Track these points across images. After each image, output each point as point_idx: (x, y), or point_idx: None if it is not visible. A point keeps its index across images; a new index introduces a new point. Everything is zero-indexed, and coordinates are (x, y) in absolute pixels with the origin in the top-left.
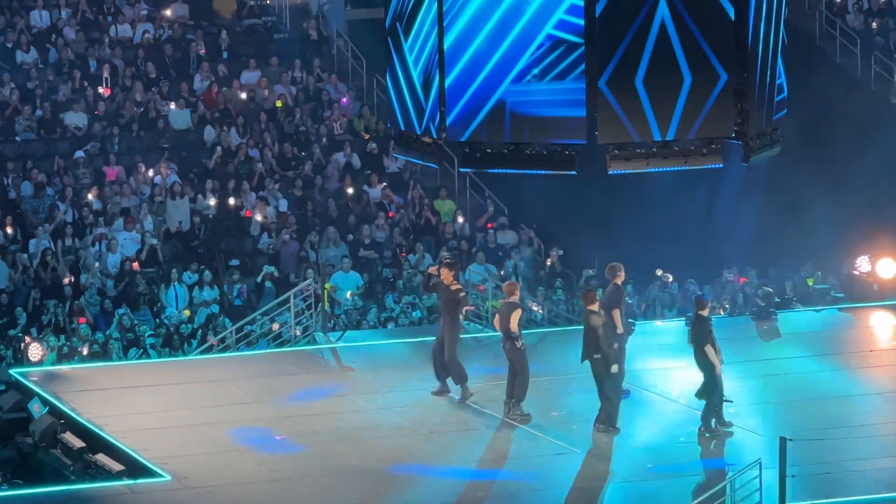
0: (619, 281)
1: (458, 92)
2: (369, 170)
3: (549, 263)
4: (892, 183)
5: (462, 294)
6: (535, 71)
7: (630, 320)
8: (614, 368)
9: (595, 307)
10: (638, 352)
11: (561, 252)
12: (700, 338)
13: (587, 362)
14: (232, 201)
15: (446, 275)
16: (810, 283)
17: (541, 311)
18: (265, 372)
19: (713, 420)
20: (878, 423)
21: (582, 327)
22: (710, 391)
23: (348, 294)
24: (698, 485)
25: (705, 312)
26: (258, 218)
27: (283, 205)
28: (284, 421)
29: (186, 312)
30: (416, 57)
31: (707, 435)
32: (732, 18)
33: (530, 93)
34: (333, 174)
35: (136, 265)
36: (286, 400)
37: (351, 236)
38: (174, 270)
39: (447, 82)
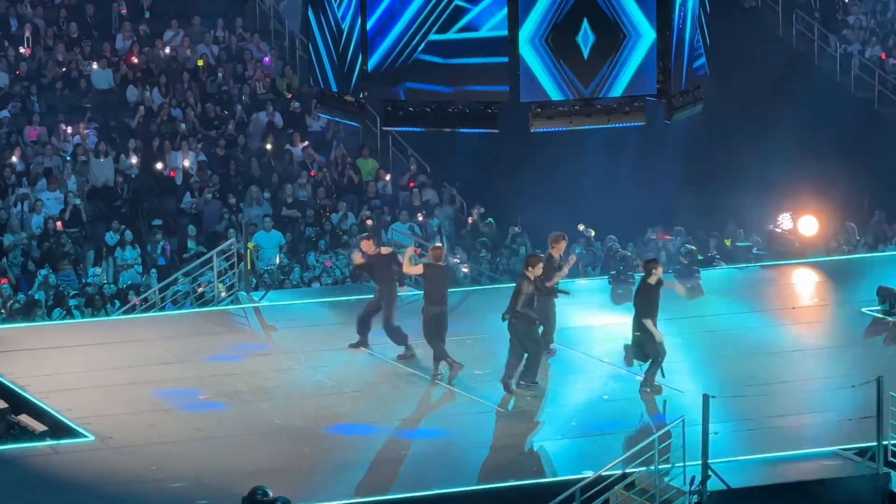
0: (557, 252)
1: (380, 50)
2: (292, 129)
3: (470, 221)
4: (814, 141)
5: (395, 256)
6: (458, 24)
7: None
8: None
9: (531, 274)
10: (561, 310)
11: (483, 210)
12: (644, 308)
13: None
14: (158, 164)
15: (368, 246)
16: (728, 245)
17: (464, 270)
18: (188, 332)
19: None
20: (800, 379)
21: (510, 287)
22: (655, 353)
23: (277, 259)
24: (622, 443)
25: (651, 279)
26: (186, 163)
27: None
28: (208, 380)
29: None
30: (337, 14)
31: (647, 390)
32: None
33: (453, 50)
34: (256, 133)
35: (59, 224)
36: (210, 359)
37: (270, 194)
38: (109, 233)
39: (369, 40)
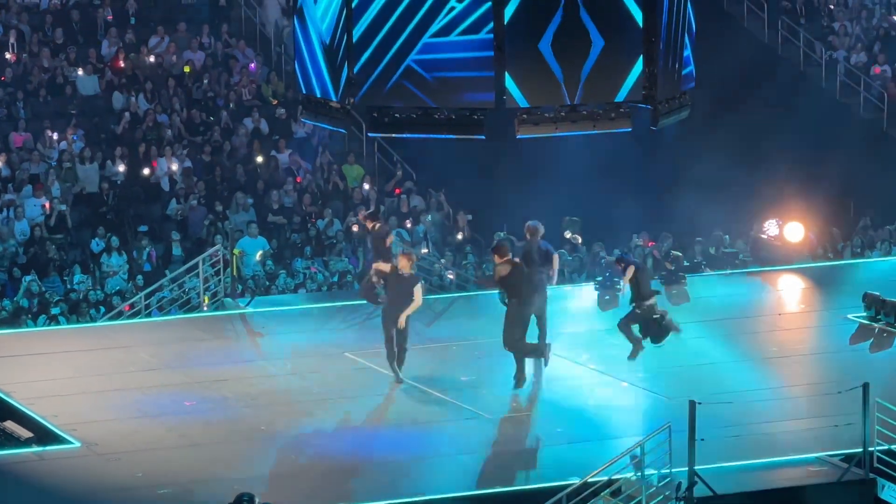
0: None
1: (365, 55)
2: (277, 135)
3: (458, 231)
4: (799, 147)
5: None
6: (442, 25)
7: None
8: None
9: (503, 261)
10: (549, 317)
11: (469, 217)
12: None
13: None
14: (145, 170)
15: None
16: (713, 252)
17: (451, 276)
18: (174, 338)
19: None
20: (786, 385)
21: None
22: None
23: (258, 255)
24: (608, 449)
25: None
26: (173, 167)
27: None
28: (194, 387)
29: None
30: (322, 19)
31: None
32: None
33: (439, 55)
34: (242, 140)
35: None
36: (195, 366)
37: (255, 200)
38: (94, 240)
39: (354, 45)
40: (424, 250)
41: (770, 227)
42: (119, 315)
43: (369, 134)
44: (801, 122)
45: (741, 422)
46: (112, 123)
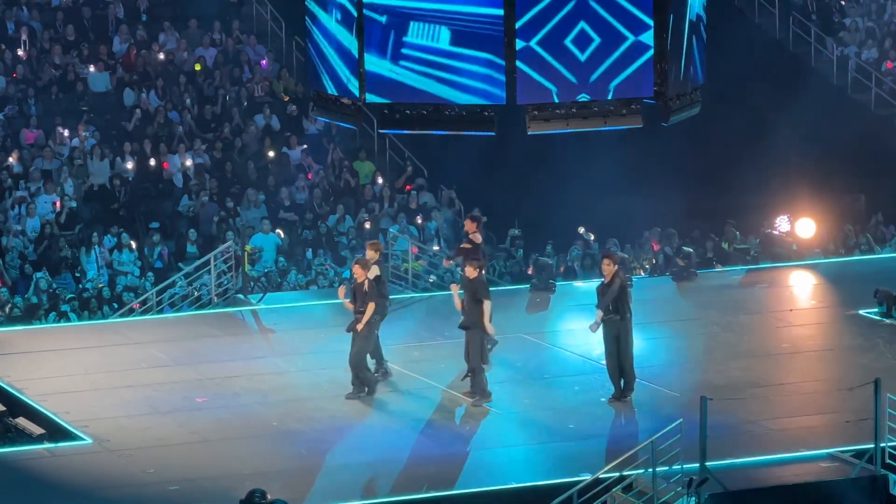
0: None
1: (376, 52)
2: (289, 132)
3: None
4: (811, 143)
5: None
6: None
7: (551, 280)
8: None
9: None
10: (558, 312)
11: (484, 219)
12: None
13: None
14: (152, 163)
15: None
16: (725, 247)
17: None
18: (186, 334)
19: None
20: (797, 381)
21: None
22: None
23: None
24: (619, 445)
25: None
26: (187, 163)
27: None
28: (205, 383)
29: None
30: (335, 16)
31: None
32: None
33: (450, 52)
34: (253, 136)
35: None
36: (207, 362)
37: (266, 197)
38: (95, 234)
39: (366, 42)
40: (436, 248)
41: (781, 224)
42: (131, 312)
43: (380, 130)
44: (812, 118)
45: (752, 418)
46: (123, 120)
